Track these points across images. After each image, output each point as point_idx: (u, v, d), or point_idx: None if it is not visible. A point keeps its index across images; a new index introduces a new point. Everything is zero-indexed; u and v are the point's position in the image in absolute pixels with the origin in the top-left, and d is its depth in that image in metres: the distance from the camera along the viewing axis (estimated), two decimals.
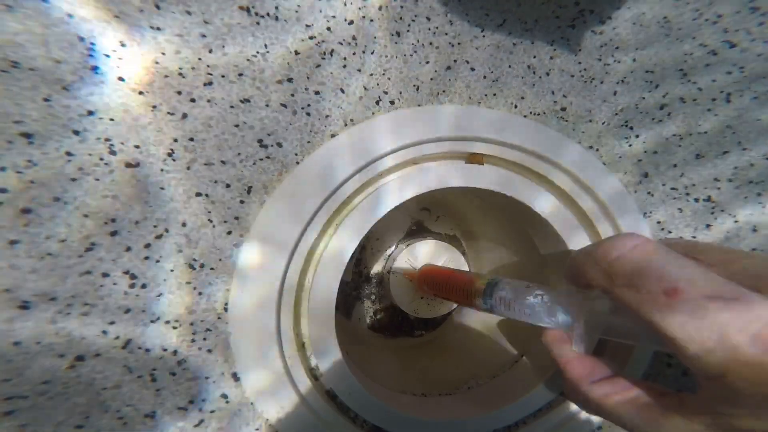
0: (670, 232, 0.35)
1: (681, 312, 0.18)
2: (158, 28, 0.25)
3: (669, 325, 0.18)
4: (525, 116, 0.32)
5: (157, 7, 0.25)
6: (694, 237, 0.35)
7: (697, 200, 0.35)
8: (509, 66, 0.32)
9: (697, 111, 0.35)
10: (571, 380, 0.25)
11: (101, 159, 0.24)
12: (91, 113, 0.24)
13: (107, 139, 0.24)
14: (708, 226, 0.36)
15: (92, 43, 0.23)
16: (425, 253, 0.44)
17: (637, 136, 0.34)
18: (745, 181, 0.36)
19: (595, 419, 0.34)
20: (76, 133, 0.23)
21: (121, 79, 0.24)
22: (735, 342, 0.17)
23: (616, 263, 0.21)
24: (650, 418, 0.21)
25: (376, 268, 0.46)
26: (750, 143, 0.35)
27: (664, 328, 0.18)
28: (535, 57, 0.32)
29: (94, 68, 0.24)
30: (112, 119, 0.24)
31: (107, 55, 0.24)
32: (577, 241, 0.33)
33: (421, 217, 0.48)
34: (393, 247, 0.47)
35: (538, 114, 0.33)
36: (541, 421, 0.33)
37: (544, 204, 0.32)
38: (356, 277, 0.45)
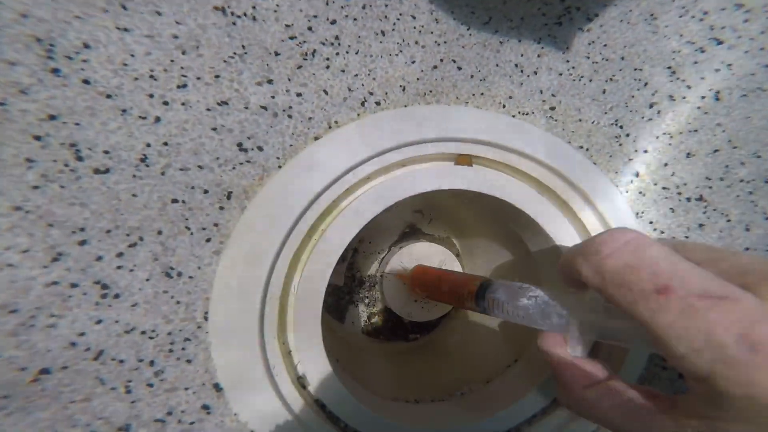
0: (662, 232, 0.32)
1: (671, 311, 0.16)
2: (126, 29, 0.22)
3: (659, 324, 0.17)
4: (513, 116, 0.29)
5: (124, 7, 0.22)
6: (687, 237, 0.32)
7: (689, 199, 0.32)
8: (496, 65, 0.28)
9: (687, 109, 0.31)
10: (564, 384, 0.23)
11: (66, 165, 0.21)
12: (53, 117, 0.21)
13: (72, 145, 0.21)
14: (701, 225, 0.32)
15: (52, 45, 0.20)
16: (419, 256, 0.41)
17: (628, 135, 0.31)
18: (736, 180, 0.33)
19: (591, 425, 0.30)
20: (37, 138, 0.20)
21: (86, 81, 0.21)
22: (721, 342, 0.15)
23: (607, 260, 0.19)
24: (641, 422, 0.20)
25: (370, 271, 0.43)
26: (740, 141, 0.32)
27: (654, 328, 0.17)
28: (522, 55, 0.29)
29: (55, 70, 0.20)
30: (77, 124, 0.21)
31: (69, 57, 0.21)
32: (569, 242, 0.29)
33: (414, 219, 0.45)
34: (386, 250, 0.43)
35: (527, 113, 0.29)
36: (535, 427, 0.30)
37: (534, 205, 0.29)
38: (349, 281, 0.42)
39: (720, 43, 0.31)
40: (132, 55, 0.22)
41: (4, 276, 0.20)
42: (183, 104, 0.23)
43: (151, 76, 0.23)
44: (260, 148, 0.25)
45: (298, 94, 0.26)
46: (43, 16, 0.20)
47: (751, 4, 0.31)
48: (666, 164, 0.31)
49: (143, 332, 0.23)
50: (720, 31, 0.31)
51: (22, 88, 0.20)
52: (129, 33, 0.22)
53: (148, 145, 0.23)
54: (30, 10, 0.20)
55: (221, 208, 0.25)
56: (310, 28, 0.25)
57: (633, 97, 0.31)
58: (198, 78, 0.24)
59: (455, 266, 0.41)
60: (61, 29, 0.20)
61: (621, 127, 0.31)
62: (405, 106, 0.28)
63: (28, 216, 0.21)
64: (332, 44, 0.26)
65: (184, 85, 0.23)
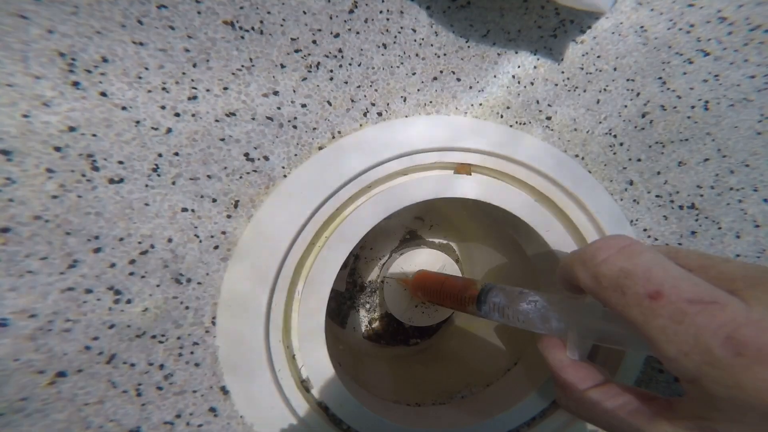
0: (656, 239, 0.33)
1: (662, 315, 0.17)
2: (141, 43, 0.23)
3: (651, 327, 0.18)
4: (511, 126, 0.31)
5: (140, 22, 0.23)
6: (680, 244, 0.33)
7: (681, 207, 0.33)
8: (494, 76, 0.30)
9: (677, 119, 0.33)
10: (563, 387, 0.24)
11: (83, 175, 0.22)
12: (72, 129, 0.22)
13: (89, 155, 0.22)
14: (693, 233, 0.34)
15: (73, 59, 0.22)
16: (419, 261, 0.42)
17: (621, 144, 0.32)
18: (726, 188, 0.34)
19: (590, 427, 0.31)
20: (57, 149, 0.22)
21: (103, 94, 0.22)
22: (708, 345, 0.16)
23: (603, 265, 0.20)
24: (638, 424, 0.20)
25: (371, 277, 0.44)
26: (729, 150, 0.34)
27: (646, 331, 0.18)
28: (519, 67, 0.30)
29: (76, 84, 0.22)
30: (94, 135, 0.22)
31: (89, 71, 0.22)
32: (565, 248, 0.31)
33: (414, 225, 0.46)
34: (387, 256, 0.45)
35: (524, 123, 0.31)
36: (535, 429, 0.31)
37: (531, 213, 0.30)
38: (350, 286, 0.43)
39: (707, 54, 0.33)
40: (146, 68, 0.23)
41: (24, 282, 0.21)
42: (193, 115, 0.24)
43: (164, 89, 0.24)
44: (266, 158, 0.26)
45: (303, 105, 0.27)
46: (66, 31, 0.21)
47: (734, 17, 0.32)
48: (659, 173, 0.33)
49: (153, 336, 0.24)
50: (706, 43, 0.32)
51: (45, 101, 0.21)
52: (144, 47, 0.23)
53: (160, 156, 0.24)
54: (55, 26, 0.21)
55: (229, 216, 0.26)
56: (314, 42, 0.27)
57: (626, 106, 0.32)
58: (207, 90, 0.25)
59: (455, 272, 0.42)
60: (82, 44, 0.22)
61: (615, 136, 0.32)
62: (406, 117, 0.29)
63: (47, 225, 0.22)
64: (335, 57, 0.27)
65: (195, 97, 0.24)
